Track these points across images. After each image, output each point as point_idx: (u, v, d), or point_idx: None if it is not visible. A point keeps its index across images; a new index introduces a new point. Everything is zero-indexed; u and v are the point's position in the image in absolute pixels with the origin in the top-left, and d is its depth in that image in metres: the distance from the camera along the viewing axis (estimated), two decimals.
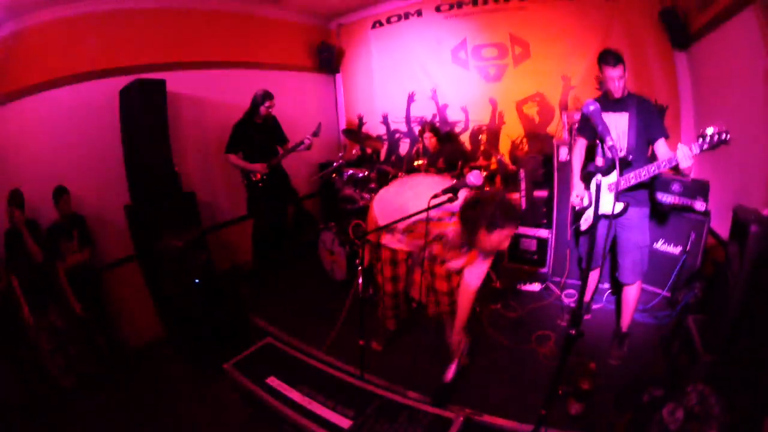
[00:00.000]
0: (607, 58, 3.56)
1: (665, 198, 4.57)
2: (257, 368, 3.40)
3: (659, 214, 4.59)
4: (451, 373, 3.43)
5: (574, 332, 2.41)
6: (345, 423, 2.67)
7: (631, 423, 2.74)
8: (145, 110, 5.13)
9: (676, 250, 4.43)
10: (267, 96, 5.64)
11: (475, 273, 3.39)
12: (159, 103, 5.27)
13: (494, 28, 6.94)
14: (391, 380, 3.56)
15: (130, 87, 5.23)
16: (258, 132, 5.71)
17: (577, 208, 4.00)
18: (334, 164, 6.05)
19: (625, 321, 3.99)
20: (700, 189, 4.43)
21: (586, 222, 3.89)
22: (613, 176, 3.60)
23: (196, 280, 4.49)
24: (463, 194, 3.01)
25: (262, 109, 5.68)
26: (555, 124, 6.44)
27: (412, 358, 3.77)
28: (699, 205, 4.40)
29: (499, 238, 2.81)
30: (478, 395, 3.49)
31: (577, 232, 4.12)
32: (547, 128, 6.65)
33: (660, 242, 4.69)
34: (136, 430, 4.06)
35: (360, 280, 3.02)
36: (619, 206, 3.57)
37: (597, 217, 3.65)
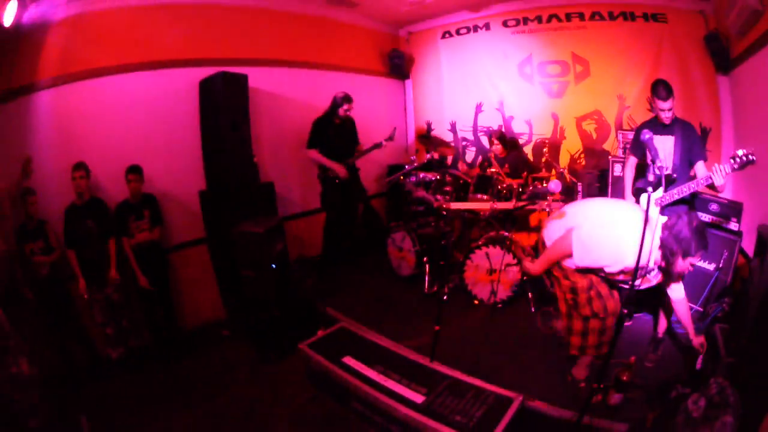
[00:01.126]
0: (659, 91, 3.99)
1: (703, 217, 4.90)
2: (332, 349, 3.75)
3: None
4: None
5: (626, 311, 2.79)
6: (419, 398, 3.15)
7: (661, 415, 3.03)
8: (227, 102, 5.30)
9: (710, 267, 4.57)
10: (347, 99, 5.90)
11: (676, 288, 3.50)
12: (241, 96, 5.47)
13: (557, 46, 7.22)
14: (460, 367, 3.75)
15: (213, 78, 5.42)
16: (336, 132, 5.97)
17: None
18: (406, 167, 6.23)
19: (662, 326, 4.22)
20: (733, 209, 4.74)
21: None
22: (660, 192, 3.92)
23: (273, 266, 4.69)
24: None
25: (341, 111, 5.93)
26: (611, 141, 6.73)
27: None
28: (732, 225, 4.71)
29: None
30: (527, 385, 3.64)
31: None
32: (603, 144, 6.90)
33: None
34: (186, 405, 4.21)
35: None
36: (663, 218, 3.87)
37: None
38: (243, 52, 6.27)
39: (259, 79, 6.08)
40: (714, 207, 4.90)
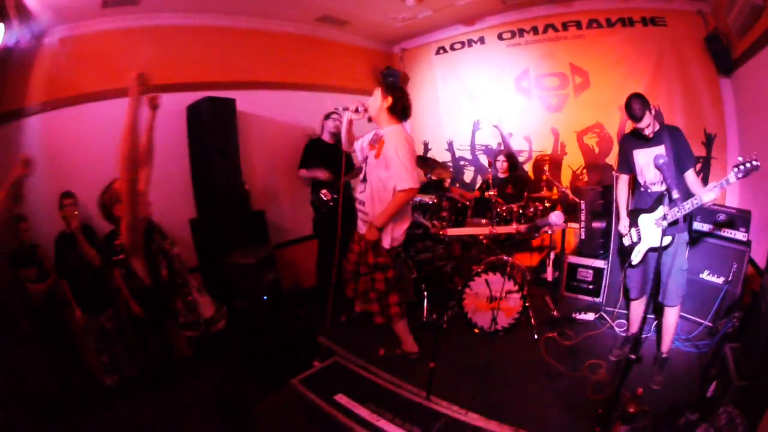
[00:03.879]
0: (633, 111, 3.82)
1: (708, 228, 4.82)
2: (325, 385, 3.59)
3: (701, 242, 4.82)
4: None
5: (634, 357, 2.77)
6: None
7: None
8: (215, 128, 5.32)
9: (719, 280, 4.52)
10: (332, 113, 6.01)
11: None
12: (229, 121, 5.50)
13: (555, 57, 7.15)
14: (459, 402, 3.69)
15: (200, 103, 5.45)
16: (327, 152, 5.89)
17: (626, 243, 4.21)
18: None
19: (666, 345, 4.17)
20: (742, 219, 4.59)
21: (637, 256, 4.11)
22: (659, 212, 3.85)
23: (264, 297, 4.69)
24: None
25: (329, 124, 6.00)
26: (614, 155, 6.54)
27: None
28: (741, 235, 4.55)
29: None
30: (535, 417, 3.69)
31: (624, 263, 4.36)
32: (606, 159, 6.77)
33: (705, 273, 4.79)
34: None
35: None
36: (667, 239, 3.84)
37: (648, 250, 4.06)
38: (231, 75, 6.25)
39: (248, 102, 6.11)
40: (721, 217, 4.76)
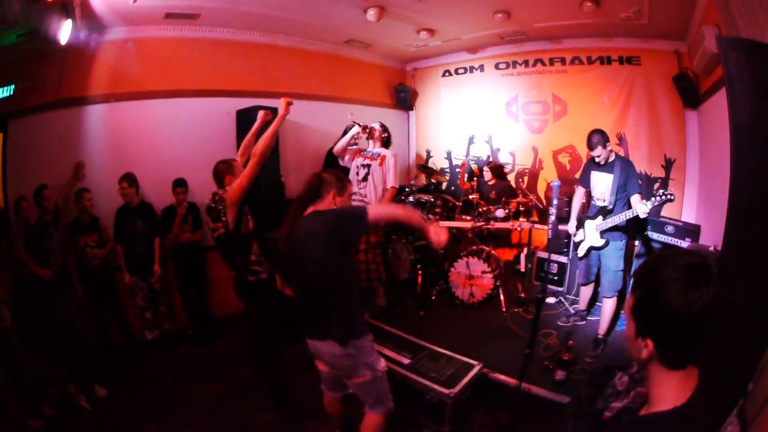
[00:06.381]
0: (588, 142, 4.85)
1: (658, 237, 5.67)
2: None
3: (650, 249, 5.72)
4: None
5: (540, 296, 4.01)
6: (406, 360, 4.32)
7: (595, 388, 3.87)
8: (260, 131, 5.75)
9: None
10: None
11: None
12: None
13: (540, 88, 8.12)
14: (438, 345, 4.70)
15: (250, 110, 6.09)
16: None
17: (575, 240, 5.30)
18: (406, 189, 7.30)
19: (602, 328, 5.05)
20: (690, 231, 5.42)
21: (581, 251, 5.19)
22: (599, 220, 4.90)
23: None
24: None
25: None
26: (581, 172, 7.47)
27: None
28: (684, 244, 5.36)
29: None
30: (496, 359, 4.66)
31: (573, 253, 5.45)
32: (576, 175, 7.47)
33: None
34: (215, 376, 5.03)
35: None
36: (601, 241, 4.90)
37: (589, 248, 5.11)
38: (272, 85, 7.04)
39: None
40: (670, 229, 5.59)
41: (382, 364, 3.15)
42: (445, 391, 3.84)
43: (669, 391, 1.37)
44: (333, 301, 2.88)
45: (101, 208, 5.49)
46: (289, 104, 4.06)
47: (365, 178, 5.64)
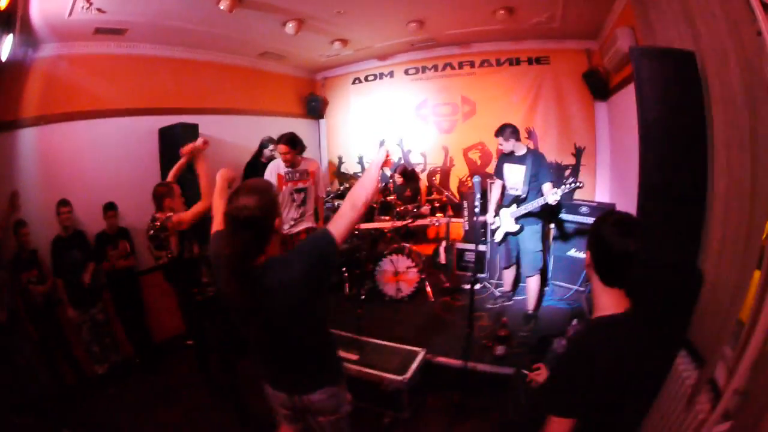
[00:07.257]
0: (500, 134, 5.18)
1: (572, 218, 6.06)
2: None
3: (564, 230, 6.12)
4: None
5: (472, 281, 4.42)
6: (354, 357, 4.45)
7: (538, 356, 3.90)
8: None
9: (583, 255, 5.30)
10: (271, 141, 6.70)
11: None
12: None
13: (449, 90, 8.46)
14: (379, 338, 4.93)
15: (173, 127, 6.14)
16: (263, 171, 6.48)
17: (492, 227, 5.60)
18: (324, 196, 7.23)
19: (530, 305, 5.46)
20: (604, 210, 5.43)
21: (498, 236, 5.50)
22: (513, 208, 5.23)
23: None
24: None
25: (266, 152, 6.85)
26: (492, 166, 7.74)
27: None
28: None
29: None
30: (435, 344, 4.95)
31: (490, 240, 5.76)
32: (486, 169, 8.12)
33: (573, 250, 6.14)
34: (167, 403, 4.88)
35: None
36: (516, 227, 5.23)
37: (506, 234, 5.42)
38: (192, 101, 6.98)
39: (205, 126, 6.57)
40: (584, 209, 5.98)
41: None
42: (398, 378, 4.06)
43: (606, 302, 1.89)
44: (315, 349, 2.53)
45: (37, 239, 5.19)
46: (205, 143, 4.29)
47: (304, 202, 5.62)
